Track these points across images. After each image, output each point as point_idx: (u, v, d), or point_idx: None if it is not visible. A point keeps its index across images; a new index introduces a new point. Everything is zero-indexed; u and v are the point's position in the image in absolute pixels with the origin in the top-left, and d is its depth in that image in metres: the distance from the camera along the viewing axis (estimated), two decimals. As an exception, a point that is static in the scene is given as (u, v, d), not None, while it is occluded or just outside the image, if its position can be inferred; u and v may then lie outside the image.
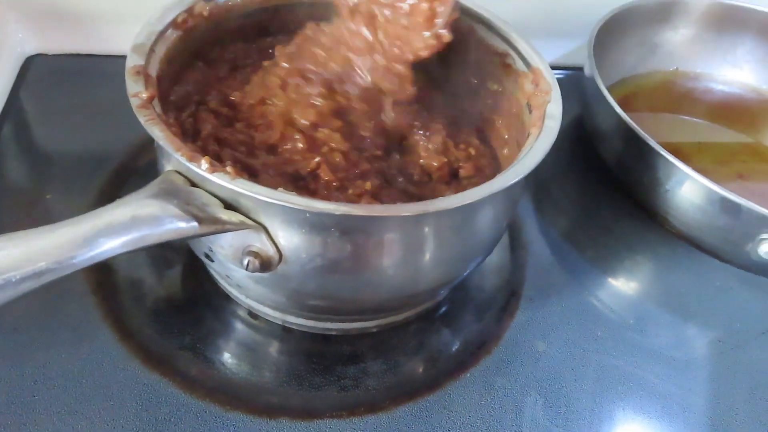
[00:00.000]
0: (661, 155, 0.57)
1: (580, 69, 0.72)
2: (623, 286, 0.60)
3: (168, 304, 0.51)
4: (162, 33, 0.47)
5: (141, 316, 0.49)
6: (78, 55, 0.72)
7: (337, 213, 0.36)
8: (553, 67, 0.82)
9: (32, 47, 0.71)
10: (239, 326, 0.50)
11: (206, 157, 0.37)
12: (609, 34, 0.73)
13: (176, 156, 0.38)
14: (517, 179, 0.40)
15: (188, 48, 0.51)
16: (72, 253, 0.33)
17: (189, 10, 0.50)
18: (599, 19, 0.71)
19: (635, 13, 0.76)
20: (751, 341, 0.56)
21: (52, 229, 0.33)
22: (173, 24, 0.48)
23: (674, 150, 0.71)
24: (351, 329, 0.50)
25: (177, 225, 0.37)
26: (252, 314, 0.51)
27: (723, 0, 0.79)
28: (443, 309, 0.54)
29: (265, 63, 0.52)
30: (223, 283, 0.51)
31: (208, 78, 0.53)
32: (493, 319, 0.54)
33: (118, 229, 0.35)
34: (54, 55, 0.72)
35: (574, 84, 0.72)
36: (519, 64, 0.52)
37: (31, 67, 0.70)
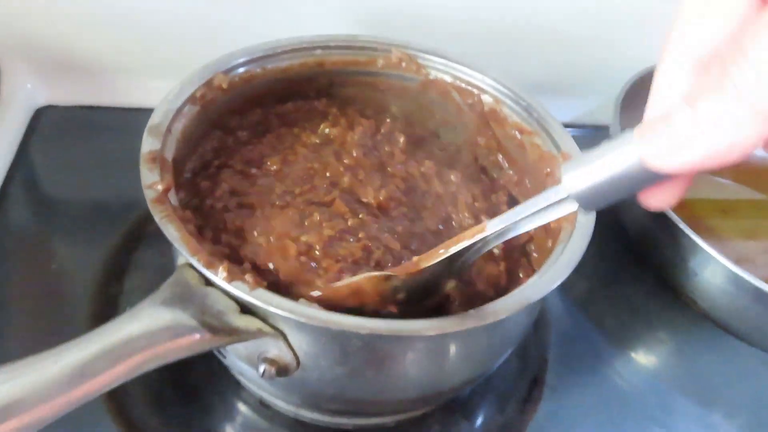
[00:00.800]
0: (687, 234, 0.55)
1: (605, 128, 0.69)
2: (649, 371, 0.57)
3: (175, 391, 0.48)
4: (179, 110, 0.45)
5: (146, 405, 0.47)
6: (89, 107, 0.70)
7: (362, 332, 0.34)
8: (575, 126, 0.83)
9: (43, 98, 0.69)
10: (250, 417, 0.48)
11: (224, 265, 0.35)
12: (637, 93, 0.71)
13: (192, 261, 0.35)
14: (551, 289, 0.38)
15: (206, 120, 0.49)
16: (72, 392, 0.30)
17: (208, 84, 0.48)
18: (628, 78, 0.69)
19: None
20: (783, 437, 0.53)
21: (48, 360, 0.30)
22: (191, 100, 0.46)
23: (697, 217, 0.70)
24: (368, 424, 0.48)
25: (191, 339, 0.34)
26: (263, 404, 0.48)
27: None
28: (463, 398, 0.51)
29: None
30: (235, 373, 0.49)
31: (226, 144, 0.51)
32: (516, 410, 0.51)
33: (132, 348, 0.32)
34: (64, 106, 0.70)
35: (596, 143, 0.70)
36: (548, 146, 0.50)
37: (42, 118, 0.68)
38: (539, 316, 0.58)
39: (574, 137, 0.80)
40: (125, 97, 0.69)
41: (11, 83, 0.67)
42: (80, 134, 0.68)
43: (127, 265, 0.55)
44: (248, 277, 0.35)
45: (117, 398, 0.46)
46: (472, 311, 0.36)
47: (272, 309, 0.34)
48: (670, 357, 0.60)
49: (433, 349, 0.38)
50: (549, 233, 0.46)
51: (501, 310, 0.36)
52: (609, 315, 0.61)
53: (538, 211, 0.33)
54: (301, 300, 0.35)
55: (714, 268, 0.54)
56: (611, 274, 0.65)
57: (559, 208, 0.32)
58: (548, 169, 0.49)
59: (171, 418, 0.46)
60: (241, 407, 0.48)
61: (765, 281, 0.51)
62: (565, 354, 0.56)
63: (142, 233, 0.58)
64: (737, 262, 0.57)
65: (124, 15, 0.63)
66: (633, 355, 0.58)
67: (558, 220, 0.45)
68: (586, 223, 0.42)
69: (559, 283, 0.38)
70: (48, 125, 0.68)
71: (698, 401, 0.55)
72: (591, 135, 0.81)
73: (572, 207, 0.31)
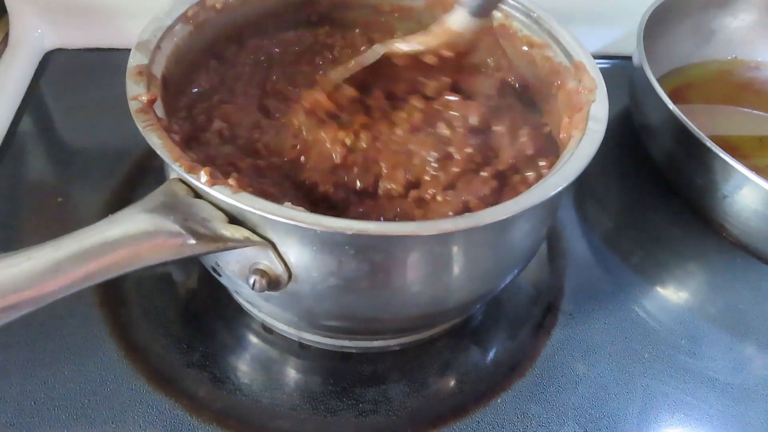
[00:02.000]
0: (718, 155, 0.51)
1: (628, 58, 0.66)
2: (674, 300, 0.54)
3: (179, 316, 0.48)
4: (170, 28, 0.44)
5: (150, 329, 0.47)
6: (97, 49, 0.70)
7: (348, 233, 0.32)
8: (600, 56, 0.79)
9: (51, 42, 0.69)
10: (252, 341, 0.47)
11: (206, 168, 0.34)
12: (661, 20, 0.67)
13: (174, 166, 0.34)
14: (556, 191, 0.36)
15: (200, 44, 0.47)
16: (49, 283, 0.29)
17: (200, 3, 0.46)
18: (650, 5, 0.65)
19: (689, -1, 0.70)
20: (820, 367, 0.50)
21: (30, 254, 0.30)
22: (183, 18, 0.45)
23: (732, 147, 0.66)
24: (371, 347, 0.47)
25: (173, 243, 0.33)
26: (266, 328, 0.48)
27: (790, -16, 0.72)
28: (473, 324, 0.49)
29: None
30: (236, 296, 0.48)
31: (224, 77, 0.49)
32: (528, 336, 0.49)
33: (106, 249, 0.31)
34: (73, 49, 0.69)
35: (621, 74, 0.67)
36: (560, 58, 0.47)
37: (51, 61, 0.68)
38: (555, 245, 0.56)
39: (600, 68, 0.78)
40: (133, 38, 0.68)
41: (20, 27, 0.67)
42: (88, 77, 0.67)
43: (133, 197, 0.55)
44: (231, 180, 0.34)
45: (120, 322, 0.46)
46: (467, 214, 0.34)
47: (255, 211, 0.33)
48: (700, 288, 0.56)
49: (431, 257, 0.36)
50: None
51: (501, 212, 0.34)
52: (632, 245, 0.58)
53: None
54: (286, 204, 0.34)
55: (748, 188, 0.51)
56: (635, 202, 0.61)
57: None
58: (558, 81, 0.46)
59: (175, 342, 0.46)
60: (245, 331, 0.48)
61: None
62: (583, 283, 0.53)
63: (148, 167, 0.57)
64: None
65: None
66: (657, 285, 0.55)
67: (567, 129, 0.42)
68: (598, 130, 0.39)
69: (563, 187, 0.36)
70: (57, 68, 0.68)
71: (729, 332, 0.52)
72: (617, 65, 0.77)
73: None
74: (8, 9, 0.66)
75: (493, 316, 0.50)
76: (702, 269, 0.57)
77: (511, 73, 0.50)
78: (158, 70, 0.42)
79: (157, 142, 0.35)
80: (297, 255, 0.36)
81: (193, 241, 0.33)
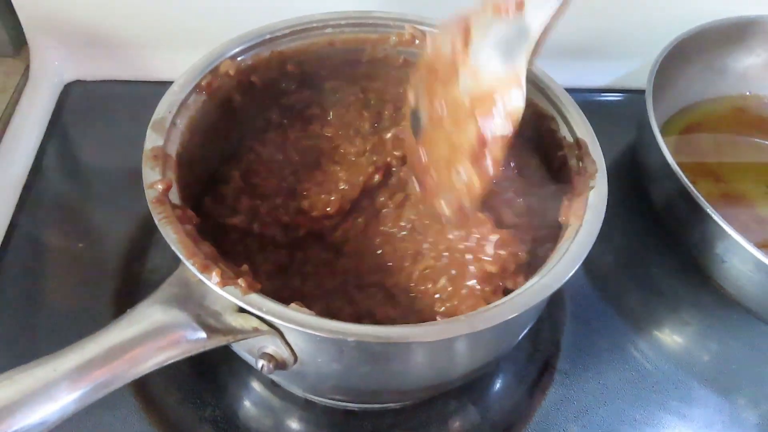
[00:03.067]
0: (714, 219, 0.52)
1: (641, 92, 0.66)
2: (668, 358, 0.55)
3: (191, 369, 0.51)
4: (184, 102, 0.45)
5: (166, 384, 0.49)
6: (116, 81, 0.71)
7: (349, 339, 0.34)
8: (613, 90, 0.79)
9: (71, 74, 0.71)
10: (261, 396, 0.50)
11: (217, 269, 0.36)
12: (677, 57, 0.67)
13: (188, 264, 0.36)
14: (554, 290, 0.37)
15: (214, 110, 0.49)
16: (69, 395, 0.32)
17: (213, 71, 0.48)
18: (667, 43, 0.65)
19: (707, 35, 0.69)
20: (806, 432, 0.51)
21: (53, 364, 0.32)
22: (197, 88, 0.46)
23: (738, 196, 0.66)
24: (374, 407, 0.49)
25: (187, 340, 0.35)
26: (274, 383, 0.50)
27: (807, 20, 0.71)
28: (472, 383, 0.51)
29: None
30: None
31: (241, 136, 0.51)
32: (524, 395, 0.51)
33: (128, 351, 0.34)
34: (92, 81, 0.71)
35: (634, 108, 0.67)
36: (564, 132, 0.48)
37: (71, 93, 0.70)
38: (555, 298, 0.57)
39: (610, 101, 0.78)
40: (152, 70, 0.70)
41: (40, 60, 0.68)
42: (108, 108, 0.69)
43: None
44: (241, 281, 0.36)
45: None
46: (462, 317, 0.36)
47: (262, 314, 0.35)
48: (695, 345, 0.57)
49: (431, 350, 0.38)
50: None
51: (500, 315, 0.36)
52: (631, 296, 0.59)
53: None
54: (292, 305, 0.36)
55: (742, 255, 0.52)
56: (635, 253, 0.63)
57: None
58: (561, 157, 0.47)
59: (188, 395, 0.49)
60: (255, 386, 0.50)
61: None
62: (580, 338, 0.55)
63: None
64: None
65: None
66: (653, 340, 0.56)
67: (566, 212, 0.43)
68: (595, 222, 0.41)
69: (559, 286, 0.37)
70: (77, 100, 0.70)
71: (721, 393, 0.53)
72: (627, 99, 0.77)
73: None
74: (28, 42, 0.68)
75: (491, 375, 0.52)
76: (698, 327, 0.58)
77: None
78: (173, 149, 0.43)
79: (173, 236, 0.37)
80: (302, 343, 0.38)
81: (205, 336, 0.36)
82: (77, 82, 0.71)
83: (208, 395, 0.49)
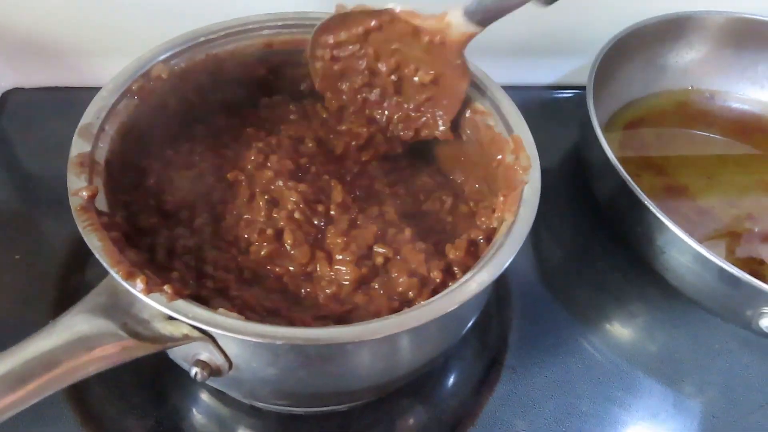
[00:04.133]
0: (653, 212, 0.53)
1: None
2: (614, 349, 0.56)
3: (134, 381, 0.49)
4: (114, 106, 0.44)
5: (106, 395, 0.48)
6: (54, 88, 0.70)
7: (277, 343, 0.34)
8: (559, 87, 0.80)
9: (8, 82, 0.69)
10: (205, 404, 0.49)
11: (142, 276, 0.35)
12: (618, 53, 0.68)
13: (112, 272, 0.35)
14: (485, 286, 0.37)
15: (147, 117, 0.48)
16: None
17: (145, 75, 0.47)
18: (607, 41, 0.66)
19: (646, 31, 0.71)
20: (747, 417, 0.52)
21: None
22: (127, 92, 0.45)
23: (681, 188, 0.68)
24: (319, 411, 0.49)
25: (115, 349, 0.35)
26: (219, 391, 0.49)
27: (743, 15, 0.73)
28: (419, 382, 0.51)
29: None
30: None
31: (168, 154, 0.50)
32: (471, 393, 0.52)
33: (49, 363, 0.33)
34: (31, 88, 0.69)
35: (578, 106, 0.67)
36: (500, 128, 0.48)
37: (9, 100, 0.68)
38: (502, 292, 0.58)
39: (557, 98, 0.79)
40: (92, 77, 0.68)
41: (-24, 68, 0.67)
42: (47, 115, 0.67)
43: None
44: (167, 287, 0.35)
45: (77, 388, 0.48)
46: (393, 316, 0.36)
47: (188, 320, 0.34)
48: (639, 335, 0.58)
49: (362, 351, 0.38)
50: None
51: (430, 313, 0.36)
52: (578, 291, 0.60)
53: None
54: (220, 309, 0.35)
55: (680, 246, 0.52)
56: (582, 249, 0.63)
57: None
58: (499, 156, 0.47)
59: (130, 406, 0.48)
60: (200, 394, 0.50)
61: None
62: (527, 333, 0.56)
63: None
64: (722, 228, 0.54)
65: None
66: (597, 337, 0.57)
67: (501, 208, 0.44)
68: (528, 217, 0.41)
69: (490, 282, 0.38)
70: (15, 107, 0.68)
71: (665, 381, 0.54)
72: (574, 96, 0.78)
73: None
74: (-37, 50, 0.66)
75: (438, 373, 0.52)
76: (643, 318, 0.59)
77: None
78: (102, 155, 0.42)
79: (97, 245, 0.36)
80: (235, 348, 0.37)
81: (134, 346, 0.35)
82: (15, 90, 0.69)
83: (150, 405, 0.48)
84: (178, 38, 0.49)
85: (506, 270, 0.38)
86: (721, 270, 0.50)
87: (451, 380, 0.52)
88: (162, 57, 0.48)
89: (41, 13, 0.64)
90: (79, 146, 0.41)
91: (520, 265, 0.61)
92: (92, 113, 0.43)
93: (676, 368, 0.55)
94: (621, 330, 0.58)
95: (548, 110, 0.77)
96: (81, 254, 0.56)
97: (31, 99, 0.69)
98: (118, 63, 0.50)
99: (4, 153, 0.65)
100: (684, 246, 0.52)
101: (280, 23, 0.52)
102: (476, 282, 0.37)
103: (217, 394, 0.49)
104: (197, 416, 0.49)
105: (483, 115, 0.49)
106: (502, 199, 0.44)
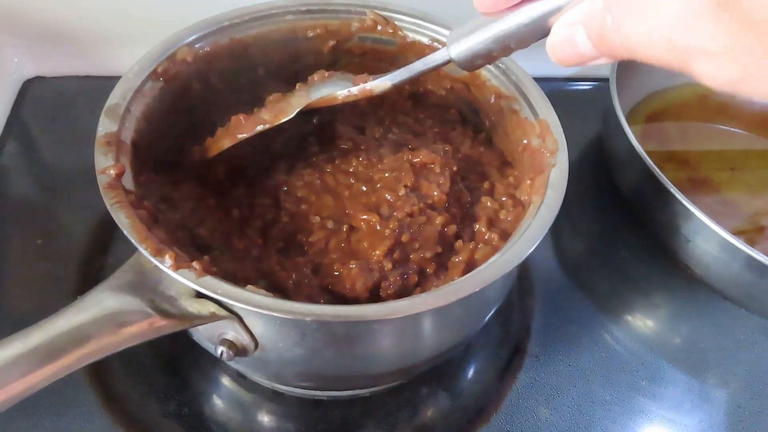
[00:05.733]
0: (679, 200, 0.52)
1: (605, 80, 0.66)
2: (638, 340, 0.56)
3: (156, 364, 0.49)
4: (140, 89, 0.44)
5: (128, 378, 0.48)
6: (76, 76, 0.70)
7: (307, 319, 0.33)
8: (578, 79, 0.79)
9: (30, 71, 0.69)
10: (227, 388, 0.49)
11: (171, 253, 0.35)
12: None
13: (140, 248, 0.35)
14: (513, 266, 0.37)
15: (172, 100, 0.47)
16: (16, 384, 0.31)
17: (170, 58, 0.47)
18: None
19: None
20: (774, 408, 0.52)
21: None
22: (153, 75, 0.46)
23: (702, 180, 0.67)
24: (342, 396, 0.48)
25: (140, 325, 0.34)
26: (241, 375, 0.49)
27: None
28: (442, 368, 0.51)
29: None
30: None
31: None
32: (495, 380, 0.51)
33: (75, 339, 0.33)
34: (52, 77, 0.70)
35: (600, 97, 0.67)
36: (526, 112, 0.48)
37: (30, 89, 0.69)
38: (525, 283, 0.57)
39: (577, 90, 0.78)
40: (113, 65, 0.68)
41: (-2, 57, 0.67)
42: (69, 104, 0.68)
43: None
44: (196, 264, 0.35)
45: (98, 371, 0.48)
46: (423, 294, 0.36)
47: (217, 296, 0.34)
48: (663, 326, 0.58)
49: (393, 329, 0.38)
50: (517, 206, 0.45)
51: (458, 291, 0.35)
52: (601, 280, 0.59)
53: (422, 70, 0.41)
54: (249, 287, 0.35)
55: (706, 235, 0.52)
56: (605, 238, 0.63)
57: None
58: (525, 141, 0.47)
59: (151, 389, 0.48)
60: (221, 378, 0.49)
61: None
62: (550, 323, 0.55)
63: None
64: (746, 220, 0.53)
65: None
66: (621, 325, 0.56)
67: (528, 192, 0.43)
68: (556, 200, 0.41)
69: (519, 262, 0.37)
70: (37, 96, 0.68)
71: (690, 371, 0.54)
72: (595, 88, 0.77)
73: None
74: (-16, 39, 0.66)
75: (461, 360, 0.52)
76: (666, 308, 0.59)
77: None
78: (128, 135, 0.42)
79: (125, 221, 0.36)
80: (262, 328, 0.37)
81: (161, 323, 0.35)
82: (37, 79, 0.69)
83: (172, 389, 0.48)
84: (201, 23, 0.49)
85: (528, 260, 0.38)
86: (750, 258, 0.49)
87: (474, 367, 0.52)
88: (186, 41, 0.48)
89: (62, 2, 0.65)
90: (105, 126, 0.41)
91: (542, 255, 0.60)
92: (118, 94, 0.43)
93: (701, 358, 0.55)
94: (644, 319, 0.58)
95: (568, 102, 0.76)
96: (102, 240, 0.56)
97: (52, 88, 0.69)
98: (138, 52, 0.51)
99: (26, 141, 0.65)
100: (711, 234, 0.51)
101: (303, 8, 0.52)
102: (505, 260, 0.37)
103: (238, 378, 0.49)
104: (218, 400, 0.48)
105: (508, 100, 0.49)
106: (528, 182, 0.44)
